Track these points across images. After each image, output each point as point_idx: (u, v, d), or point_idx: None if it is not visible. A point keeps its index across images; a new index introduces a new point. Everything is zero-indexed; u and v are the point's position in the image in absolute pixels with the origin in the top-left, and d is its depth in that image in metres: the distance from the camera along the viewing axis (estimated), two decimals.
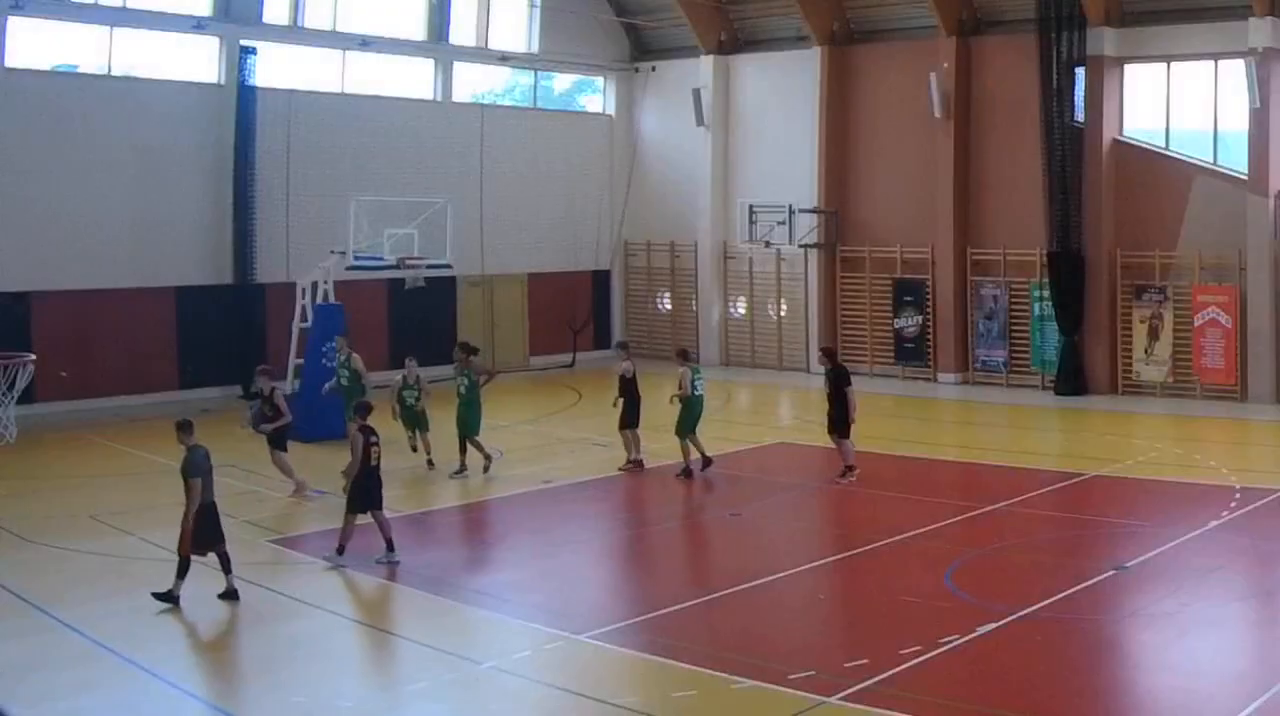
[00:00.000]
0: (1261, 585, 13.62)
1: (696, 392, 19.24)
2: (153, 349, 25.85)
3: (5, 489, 18.11)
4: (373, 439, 14.48)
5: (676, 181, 33.18)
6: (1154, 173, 26.12)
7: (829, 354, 19.72)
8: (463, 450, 19.33)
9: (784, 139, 31.02)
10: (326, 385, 20.39)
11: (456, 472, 19.23)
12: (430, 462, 19.71)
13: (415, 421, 19.65)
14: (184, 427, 13.25)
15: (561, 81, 34.59)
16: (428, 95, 30.72)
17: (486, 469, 19.25)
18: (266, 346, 26.30)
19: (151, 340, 25.83)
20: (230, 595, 13.04)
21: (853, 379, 19.30)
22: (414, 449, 19.80)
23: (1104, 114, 26.26)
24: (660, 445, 21.08)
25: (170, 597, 12.82)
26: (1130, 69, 26.57)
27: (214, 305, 26.45)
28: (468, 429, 19.27)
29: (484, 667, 11.33)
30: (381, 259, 23.70)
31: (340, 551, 14.39)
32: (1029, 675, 10.97)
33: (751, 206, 30.50)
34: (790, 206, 30.00)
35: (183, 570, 12.87)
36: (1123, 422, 24.06)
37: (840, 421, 18.74)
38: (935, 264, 28.79)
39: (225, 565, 13.12)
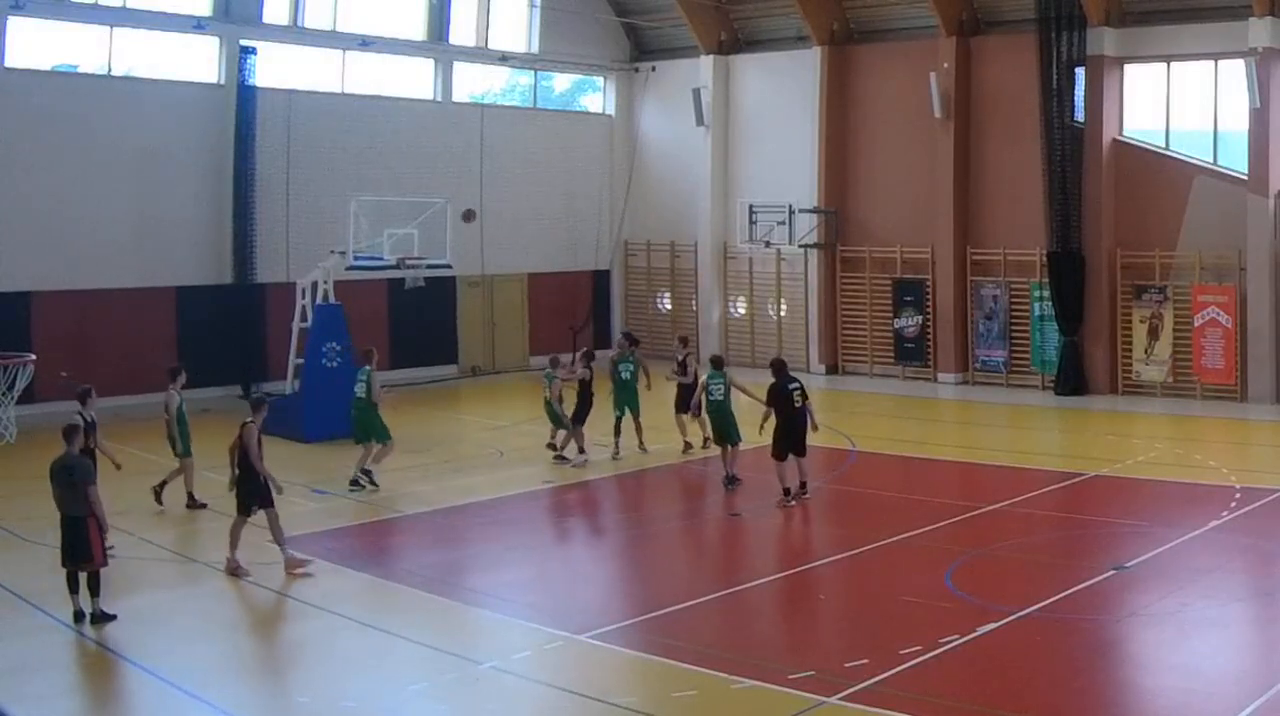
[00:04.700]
0: (1261, 585, 13.62)
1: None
2: (153, 349, 25.82)
3: (5, 489, 18.11)
4: None
5: (676, 181, 33.17)
6: (1154, 173, 26.11)
7: (780, 367, 17.49)
8: (617, 433, 20.67)
9: (784, 139, 31.01)
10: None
11: (614, 456, 20.62)
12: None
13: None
14: (64, 433, 12.96)
15: (561, 81, 34.59)
16: (428, 95, 30.72)
17: (643, 447, 20.85)
18: (266, 346, 26.33)
19: (151, 340, 25.80)
20: (98, 617, 12.41)
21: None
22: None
23: (1104, 114, 26.25)
24: (661, 446, 21.11)
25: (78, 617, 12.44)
26: (1130, 69, 26.57)
27: (214, 305, 26.43)
28: (633, 412, 20.68)
29: (484, 667, 11.33)
30: (381, 259, 23.69)
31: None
32: (1029, 675, 10.97)
33: (751, 206, 30.48)
34: (790, 206, 29.98)
35: (72, 584, 12.52)
36: (1123, 422, 24.06)
37: (801, 440, 17.24)
38: (935, 264, 28.79)
39: (91, 586, 12.47)
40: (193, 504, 17.39)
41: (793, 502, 17.09)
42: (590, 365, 21.52)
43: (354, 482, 18.47)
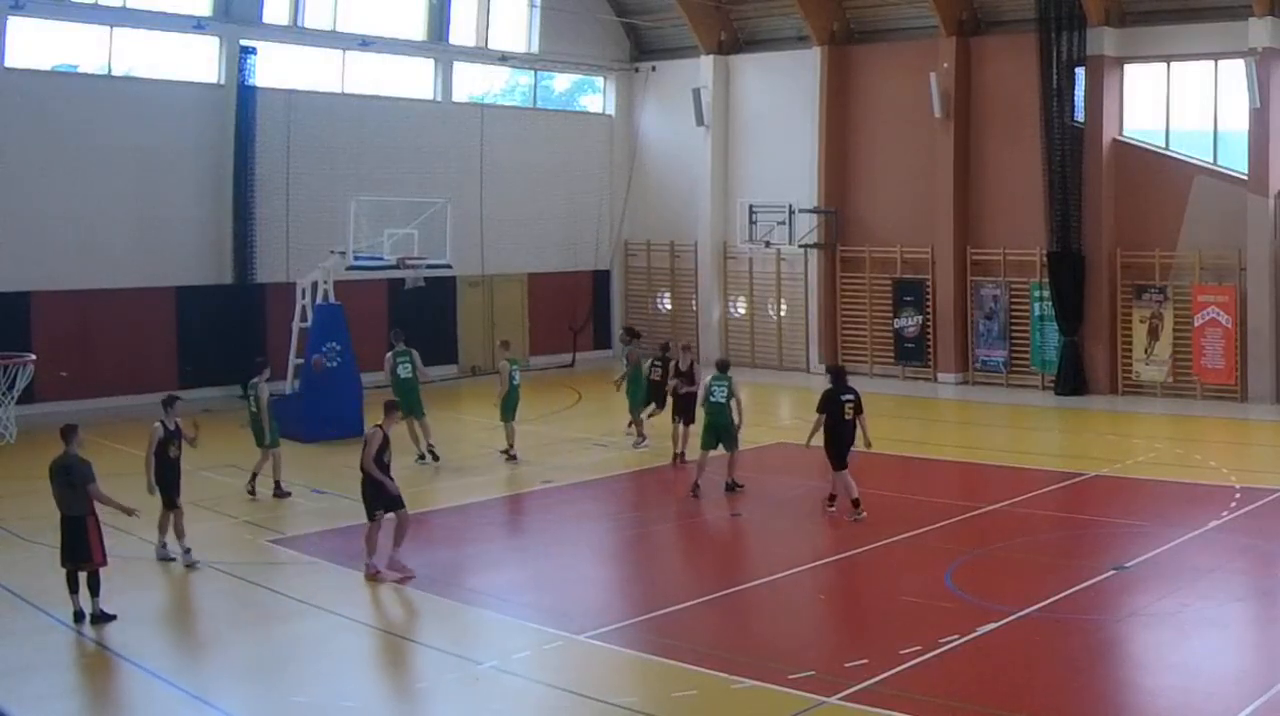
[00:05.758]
0: (1261, 585, 13.62)
1: (515, 382, 20.55)
2: (153, 349, 25.85)
3: (5, 489, 18.12)
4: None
5: (676, 181, 33.18)
6: (1154, 173, 26.12)
7: (839, 374, 17.27)
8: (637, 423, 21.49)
9: (784, 139, 31.01)
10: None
11: (638, 444, 21.33)
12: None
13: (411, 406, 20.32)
14: (62, 433, 12.81)
15: (561, 81, 34.59)
16: (428, 95, 30.72)
17: (636, 446, 21.29)
18: (266, 346, 26.29)
19: (151, 340, 25.81)
20: (98, 617, 12.40)
21: (854, 380, 18.88)
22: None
23: (1104, 114, 26.26)
24: (659, 445, 21.11)
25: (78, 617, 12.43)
26: (1130, 69, 26.57)
27: (214, 305, 26.43)
28: (633, 404, 21.51)
29: (484, 667, 11.33)
30: (381, 259, 23.69)
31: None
32: (1029, 675, 10.97)
33: (751, 206, 30.48)
34: (790, 206, 29.99)
35: (72, 584, 12.50)
36: (1123, 422, 24.06)
37: (844, 453, 16.69)
38: (935, 264, 28.79)
39: (91, 586, 12.46)
40: (280, 493, 17.86)
41: (833, 509, 16.65)
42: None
43: (433, 456, 20.15)
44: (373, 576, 13.94)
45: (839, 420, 16.50)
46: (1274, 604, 13.12)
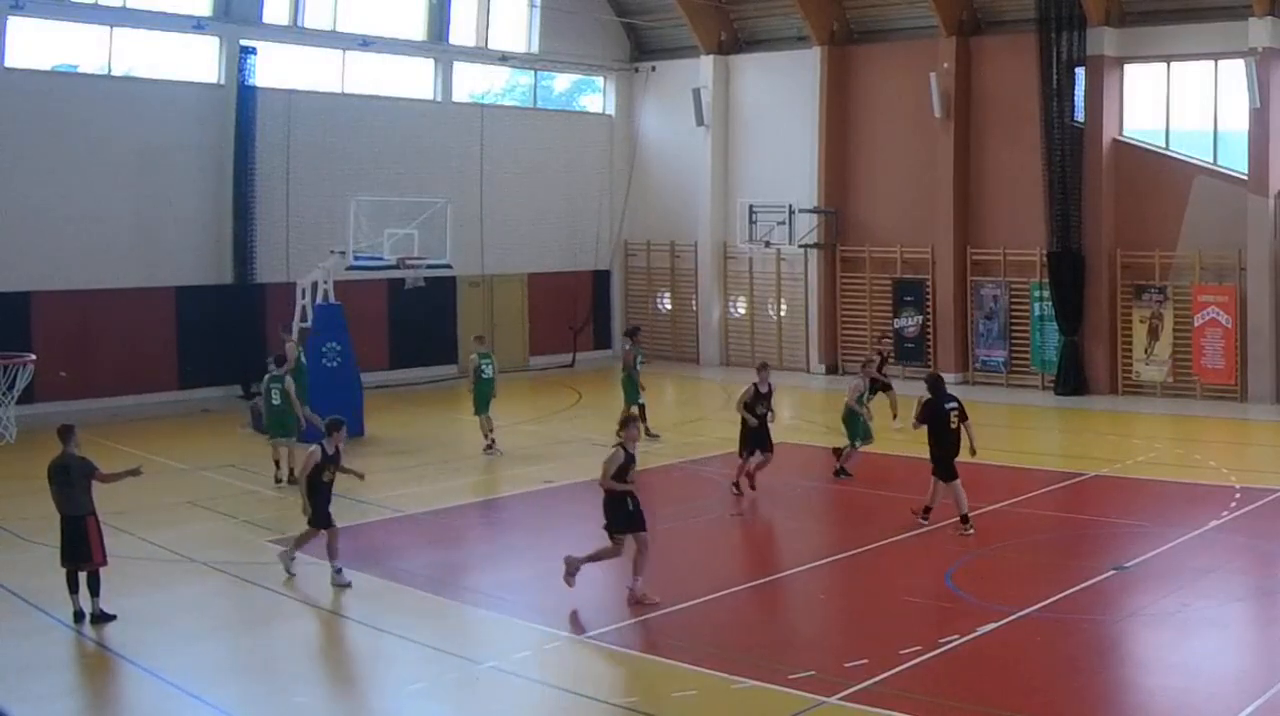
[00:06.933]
0: (1261, 585, 13.61)
1: (485, 376, 20.82)
2: (152, 349, 25.85)
3: (5, 489, 18.11)
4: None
5: (676, 181, 33.17)
6: (1154, 173, 26.12)
7: (939, 383, 16.16)
8: (643, 418, 21.01)
9: (784, 139, 31.01)
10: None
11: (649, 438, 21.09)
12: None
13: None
14: (59, 433, 12.75)
15: (561, 81, 34.59)
16: (428, 95, 30.72)
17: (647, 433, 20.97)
18: (266, 346, 26.32)
19: (151, 340, 25.82)
20: (98, 617, 12.37)
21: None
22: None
23: (1104, 114, 26.26)
24: (661, 444, 21.11)
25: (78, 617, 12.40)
26: (1130, 69, 26.57)
27: (214, 305, 26.44)
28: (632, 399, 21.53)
29: (484, 667, 11.32)
30: (381, 259, 23.70)
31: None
32: (1029, 675, 10.97)
33: (751, 206, 30.49)
34: (790, 206, 29.99)
35: (72, 584, 12.46)
36: (1123, 422, 24.05)
37: (951, 463, 15.83)
38: (935, 264, 28.79)
39: (91, 586, 12.41)
40: (282, 481, 18.14)
41: (972, 530, 15.42)
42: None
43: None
44: (638, 600, 12.94)
45: (945, 430, 15.69)
46: (1274, 604, 13.12)
